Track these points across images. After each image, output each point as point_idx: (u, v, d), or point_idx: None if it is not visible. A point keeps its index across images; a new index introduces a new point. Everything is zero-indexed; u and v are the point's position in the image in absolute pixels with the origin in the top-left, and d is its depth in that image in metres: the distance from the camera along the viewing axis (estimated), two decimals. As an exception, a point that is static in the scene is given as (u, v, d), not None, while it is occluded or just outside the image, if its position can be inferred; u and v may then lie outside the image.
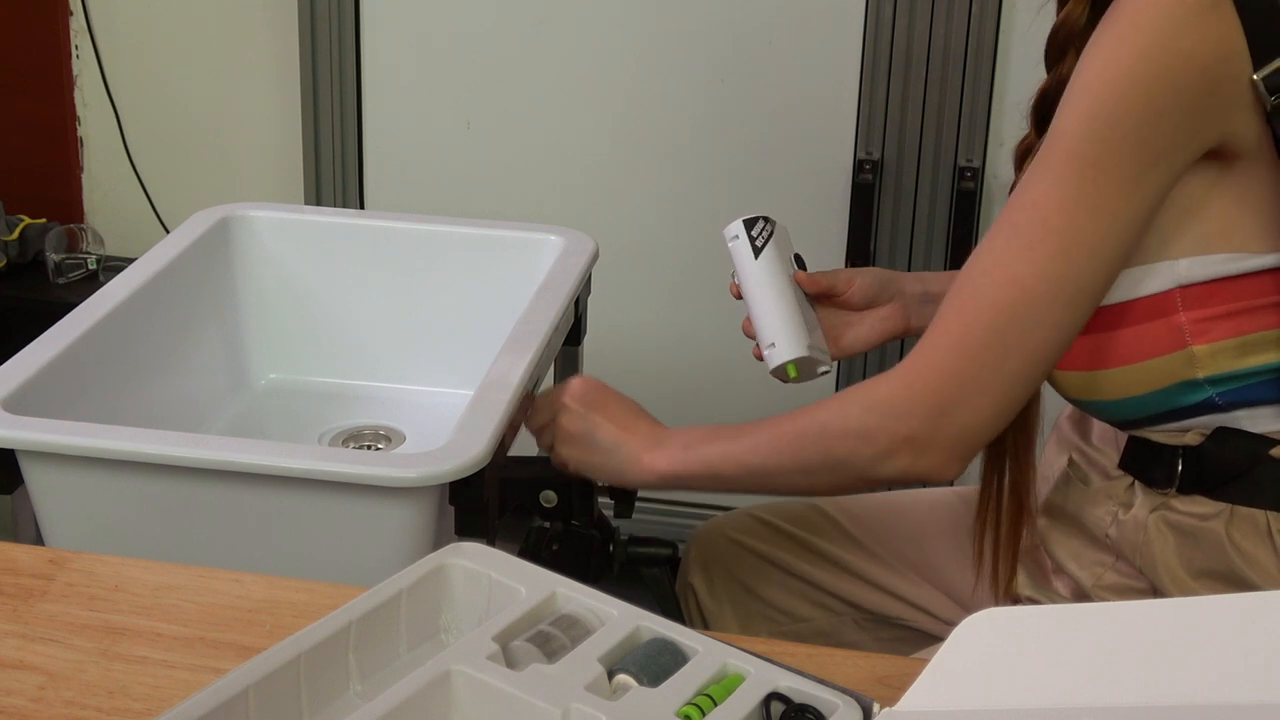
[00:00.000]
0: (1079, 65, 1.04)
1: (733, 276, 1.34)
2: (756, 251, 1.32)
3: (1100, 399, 1.12)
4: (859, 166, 2.08)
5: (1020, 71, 2.05)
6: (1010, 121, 2.08)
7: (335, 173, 2.27)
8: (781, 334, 1.29)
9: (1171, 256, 1.07)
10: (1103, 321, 1.09)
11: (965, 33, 2.02)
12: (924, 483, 1.12)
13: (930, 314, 1.34)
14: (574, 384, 1.26)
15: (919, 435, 1.07)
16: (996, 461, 1.20)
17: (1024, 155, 1.19)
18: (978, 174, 2.06)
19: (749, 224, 1.33)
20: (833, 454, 1.12)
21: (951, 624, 0.79)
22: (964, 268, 1.09)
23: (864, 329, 1.37)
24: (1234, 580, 1.11)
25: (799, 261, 1.35)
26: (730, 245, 1.33)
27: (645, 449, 1.22)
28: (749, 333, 1.34)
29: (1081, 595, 1.22)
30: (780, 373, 1.30)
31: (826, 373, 1.32)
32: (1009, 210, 1.06)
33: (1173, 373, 1.09)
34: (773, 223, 1.34)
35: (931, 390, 1.07)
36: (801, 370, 1.29)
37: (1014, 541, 1.22)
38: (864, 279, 1.36)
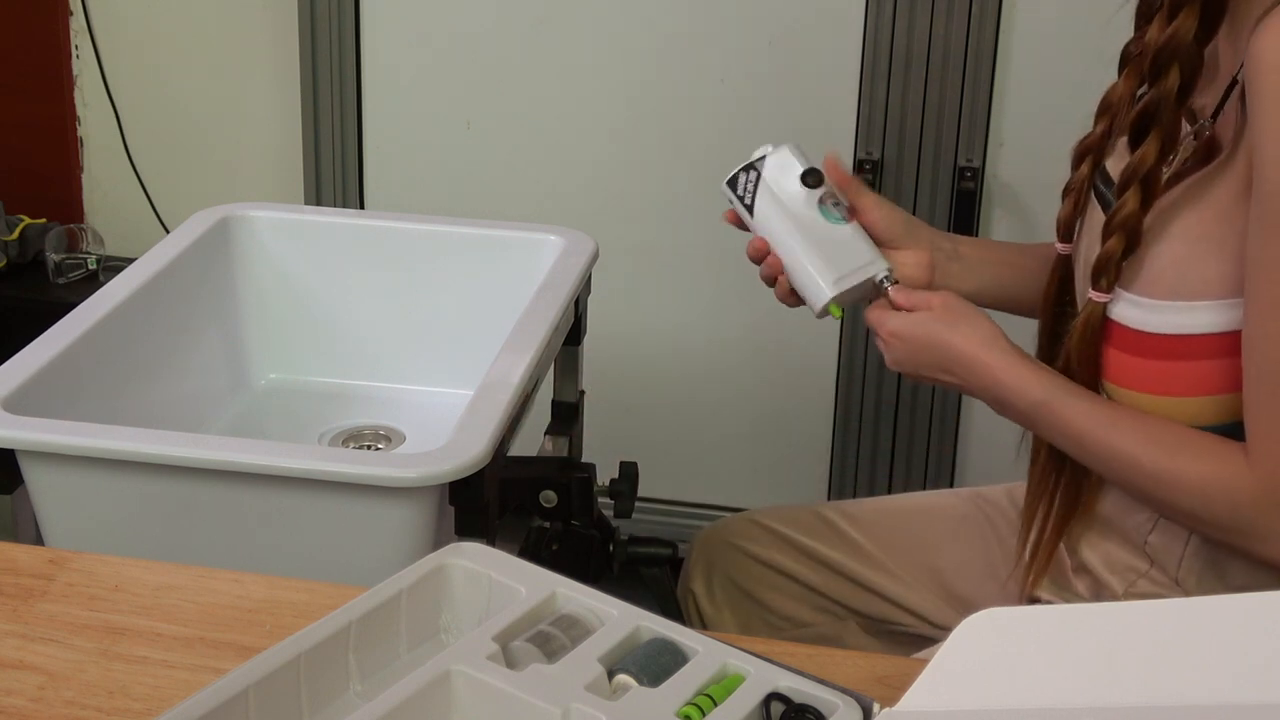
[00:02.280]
0: (1258, 120, 1.00)
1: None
2: (750, 209, 1.29)
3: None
4: (859, 166, 2.08)
5: (1020, 71, 2.05)
6: (1010, 121, 2.08)
7: (335, 173, 2.27)
8: (806, 281, 1.26)
9: None
10: (1188, 350, 1.08)
11: (965, 33, 2.02)
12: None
13: (957, 273, 1.33)
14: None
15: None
16: (1056, 459, 1.20)
17: (1084, 154, 1.19)
18: (978, 174, 2.06)
19: (731, 184, 1.30)
20: (1186, 522, 1.12)
21: (952, 630, 0.79)
22: (1250, 348, 1.04)
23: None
24: None
25: (812, 177, 1.28)
26: (732, 200, 1.31)
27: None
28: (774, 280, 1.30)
29: (1101, 596, 1.21)
30: (826, 310, 1.26)
31: (887, 278, 1.25)
32: (1260, 285, 1.02)
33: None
34: (757, 168, 1.29)
35: None
36: (845, 303, 1.25)
37: (1056, 539, 1.22)
38: (887, 213, 1.30)
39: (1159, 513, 1.15)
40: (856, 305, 1.28)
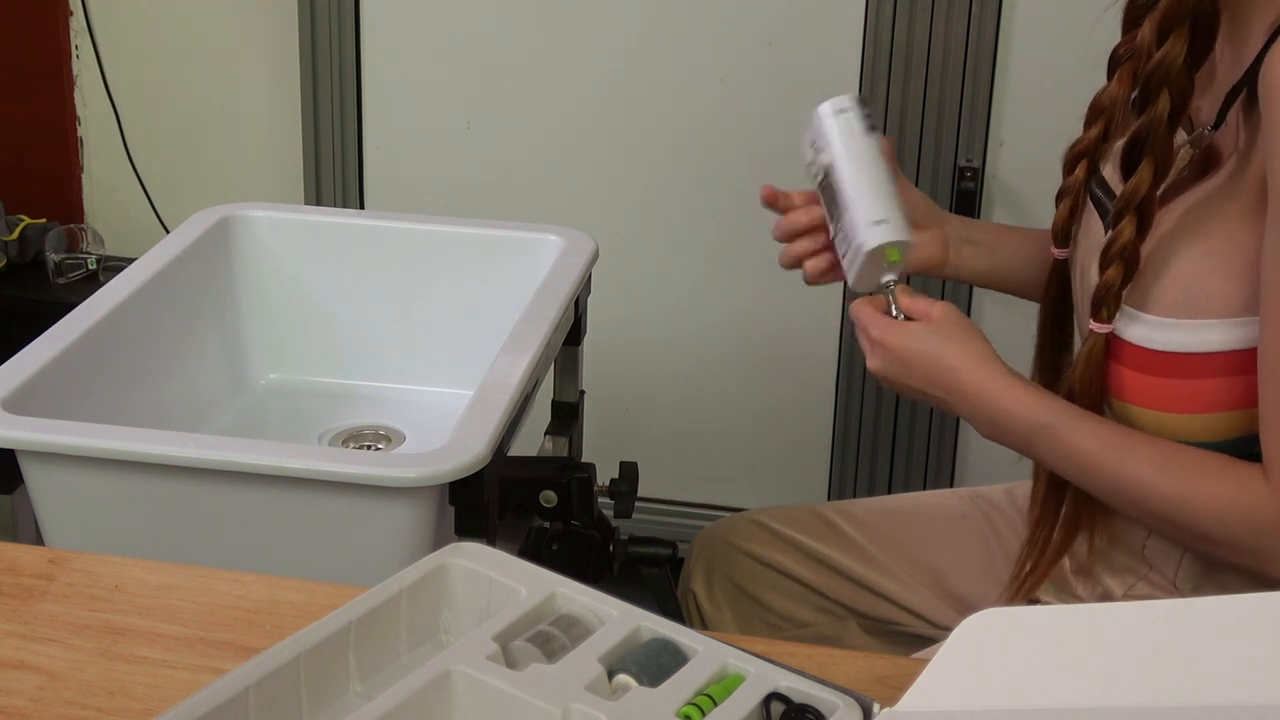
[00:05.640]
0: (1277, 138, 0.99)
1: (812, 149, 1.27)
2: (870, 128, 1.24)
3: (1174, 438, 1.10)
4: (859, 167, 2.08)
5: (1020, 72, 2.05)
6: (1010, 121, 2.08)
7: (335, 173, 2.27)
8: (895, 212, 1.21)
9: None
10: (1196, 368, 1.07)
11: (965, 33, 2.02)
12: None
13: (970, 254, 1.35)
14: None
15: None
16: (1060, 481, 1.17)
17: (1077, 158, 1.18)
18: (978, 174, 2.06)
19: (861, 102, 1.25)
20: (1202, 547, 1.10)
21: (952, 630, 0.79)
22: (1266, 367, 1.03)
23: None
24: None
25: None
26: (831, 120, 1.25)
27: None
28: (787, 235, 1.29)
29: (1101, 599, 1.21)
30: (878, 254, 1.20)
31: (893, 281, 1.21)
32: (1277, 305, 1.01)
33: (1253, 424, 1.06)
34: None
35: None
36: (904, 255, 1.21)
37: (1065, 546, 1.19)
38: (914, 195, 1.32)
39: (1171, 537, 1.14)
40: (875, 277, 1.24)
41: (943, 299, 1.25)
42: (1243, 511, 1.04)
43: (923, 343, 1.17)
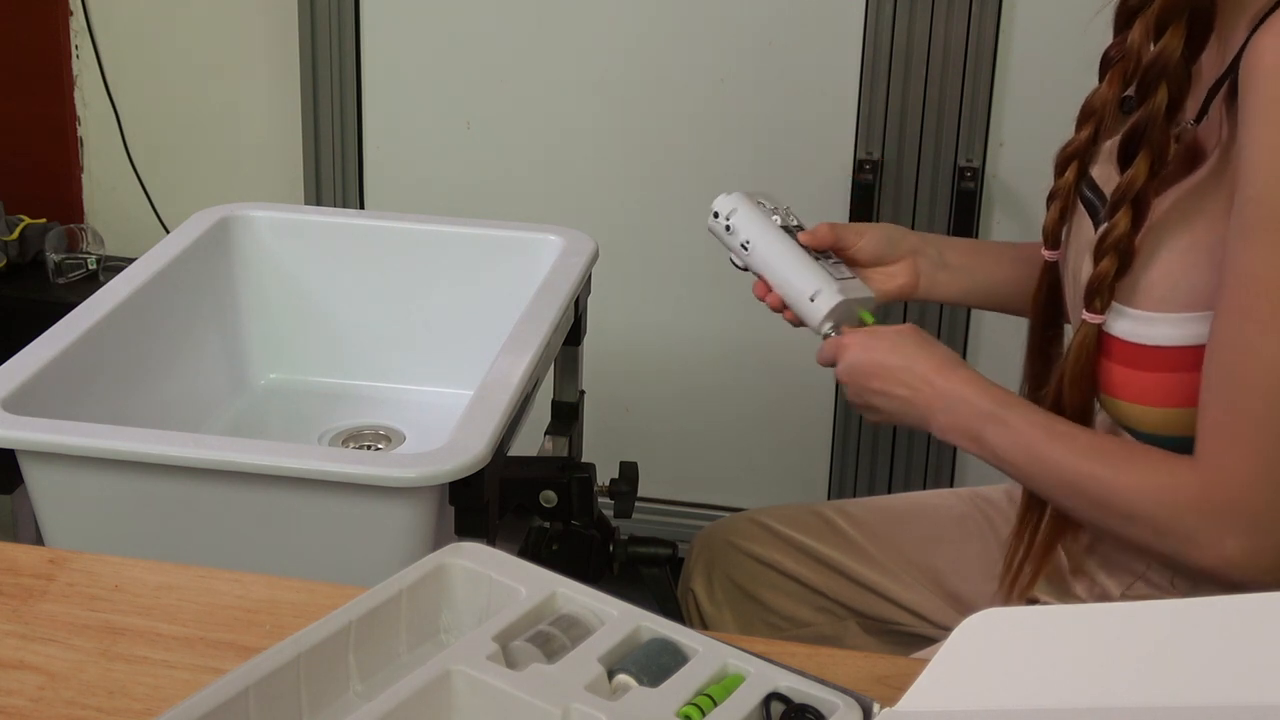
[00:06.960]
0: (1250, 124, 1.00)
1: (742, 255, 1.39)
2: (769, 212, 1.36)
3: (1164, 434, 1.10)
4: (859, 166, 2.08)
5: (1020, 72, 2.05)
6: (1010, 121, 2.08)
7: (335, 173, 2.27)
8: (818, 283, 1.30)
9: None
10: (1184, 361, 1.07)
11: (965, 33, 2.02)
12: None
13: (944, 280, 1.37)
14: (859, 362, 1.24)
15: (1247, 546, 1.03)
16: None
17: (1068, 160, 1.18)
18: (978, 174, 2.06)
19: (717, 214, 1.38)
20: (1124, 530, 1.10)
21: (952, 630, 0.79)
22: (1211, 353, 1.03)
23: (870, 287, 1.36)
24: None
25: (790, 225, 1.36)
26: (724, 228, 1.39)
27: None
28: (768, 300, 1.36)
29: (1099, 599, 1.21)
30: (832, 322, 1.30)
31: (834, 330, 1.30)
32: (1230, 290, 1.02)
33: None
34: (731, 208, 1.37)
35: (1244, 502, 1.02)
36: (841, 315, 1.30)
37: (1049, 548, 1.20)
38: (872, 235, 1.36)
39: (1099, 525, 1.13)
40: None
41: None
42: (1165, 492, 1.05)
43: (892, 345, 1.22)
